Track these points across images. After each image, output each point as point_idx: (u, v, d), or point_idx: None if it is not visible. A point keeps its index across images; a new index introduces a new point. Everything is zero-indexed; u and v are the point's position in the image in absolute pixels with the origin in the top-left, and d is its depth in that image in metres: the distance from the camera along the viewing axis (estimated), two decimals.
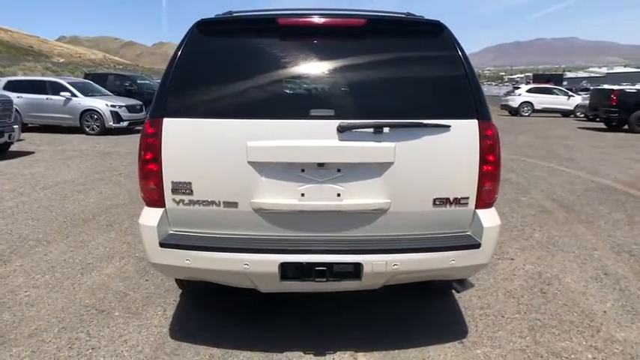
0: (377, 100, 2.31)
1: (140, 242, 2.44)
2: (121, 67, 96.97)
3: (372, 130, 2.23)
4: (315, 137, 2.24)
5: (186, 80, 2.33)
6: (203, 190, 2.31)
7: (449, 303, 3.22)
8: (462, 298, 3.26)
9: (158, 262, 2.35)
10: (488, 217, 2.36)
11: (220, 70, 2.34)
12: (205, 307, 3.12)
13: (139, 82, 16.28)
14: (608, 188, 6.88)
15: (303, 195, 2.29)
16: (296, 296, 3.00)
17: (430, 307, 3.16)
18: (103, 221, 5.02)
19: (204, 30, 2.41)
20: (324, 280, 2.25)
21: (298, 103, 2.28)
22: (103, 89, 14.42)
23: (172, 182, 2.32)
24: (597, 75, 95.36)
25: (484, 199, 2.37)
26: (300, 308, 3.07)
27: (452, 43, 2.41)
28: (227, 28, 2.44)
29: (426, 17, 2.58)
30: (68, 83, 13.34)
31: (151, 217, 2.34)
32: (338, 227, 2.35)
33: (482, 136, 2.31)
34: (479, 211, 2.37)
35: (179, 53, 2.36)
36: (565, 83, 55.63)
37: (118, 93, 14.71)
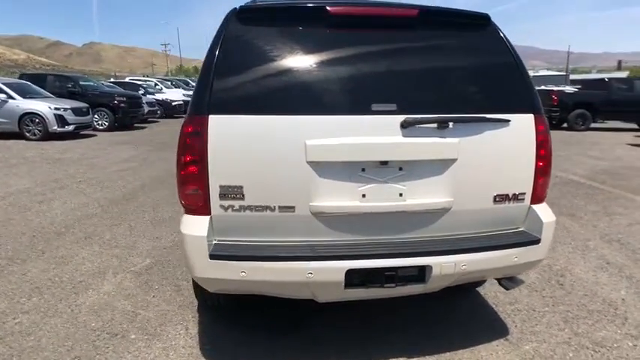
0: (438, 94, 2.22)
1: (184, 254, 2.18)
2: (48, 67, 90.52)
3: (435, 125, 2.14)
4: (377, 134, 2.11)
5: (232, 73, 2.12)
6: (256, 195, 2.10)
7: (476, 301, 3.20)
8: (487, 295, 3.25)
9: (206, 277, 2.11)
10: (545, 212, 2.34)
11: (268, 62, 2.15)
12: (230, 322, 2.88)
13: (82, 83, 15.17)
14: (572, 182, 7.27)
15: (364, 196, 2.14)
16: (317, 304, 2.84)
17: (460, 306, 3.12)
18: (79, 234, 4.56)
19: (245, 18, 2.20)
20: (393, 285, 2.12)
21: (358, 98, 2.14)
22: (43, 91, 13.30)
23: (221, 186, 2.09)
24: None
25: (538, 195, 2.35)
26: (329, 316, 2.91)
27: (501, 35, 2.37)
28: (270, 16, 2.24)
29: None
30: (2, 84, 12.17)
31: (196, 225, 2.09)
32: (400, 229, 2.23)
33: (537, 131, 2.28)
34: (534, 207, 2.35)
35: (220, 43, 2.14)
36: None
37: (59, 95, 13.61)
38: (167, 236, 4.52)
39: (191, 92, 21.54)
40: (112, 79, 26.54)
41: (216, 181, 2.08)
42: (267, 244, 2.14)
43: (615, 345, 2.63)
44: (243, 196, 2.09)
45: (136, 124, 15.77)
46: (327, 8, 2.18)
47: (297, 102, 2.10)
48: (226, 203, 2.10)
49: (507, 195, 2.29)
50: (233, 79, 2.12)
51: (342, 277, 2.06)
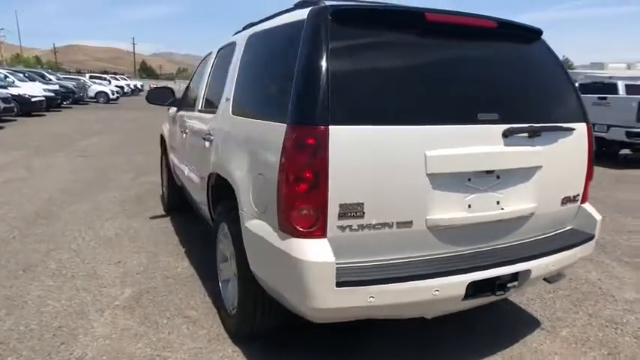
0: (525, 103, 2.30)
1: (295, 285, 1.88)
2: None
3: (527, 134, 2.21)
4: (483, 143, 2.10)
5: (346, 79, 1.91)
6: (376, 212, 1.92)
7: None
8: None
9: (329, 307, 1.86)
10: (594, 211, 2.59)
11: (379, 69, 1.99)
12: (278, 350, 2.61)
13: None
14: None
15: (469, 206, 2.12)
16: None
17: (483, 309, 3.25)
18: (10, 266, 3.66)
19: (341, 19, 1.99)
20: (503, 292, 2.14)
21: (466, 107, 2.10)
22: None
23: (340, 205, 1.87)
24: None
25: (585, 195, 2.59)
26: (368, 333, 2.80)
27: (550, 48, 2.54)
28: (366, 18, 2.07)
29: None
30: None
31: (317, 250, 1.84)
32: (496, 236, 2.26)
33: (589, 138, 2.51)
34: (584, 206, 2.58)
35: (320, 44, 1.90)
36: None
37: None
38: (129, 259, 3.89)
39: (53, 86, 18.68)
40: None
41: (336, 199, 1.86)
42: (386, 263, 1.99)
43: (624, 320, 3.03)
44: (363, 214, 1.91)
45: None
46: (426, 14, 2.09)
47: (415, 111, 1.99)
48: (345, 223, 1.89)
49: (570, 197, 2.47)
50: (349, 86, 1.91)
51: (463, 291, 2.02)
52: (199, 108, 3.62)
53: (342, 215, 1.88)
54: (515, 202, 2.24)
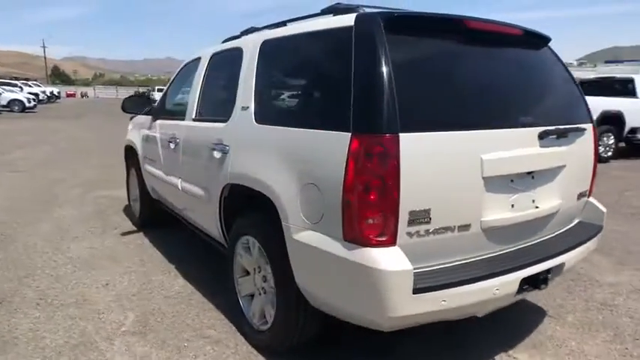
0: (551, 106, 2.46)
1: (370, 295, 1.85)
2: None
3: (556, 135, 2.36)
4: (524, 145, 2.22)
5: (409, 86, 1.91)
6: (441, 216, 1.96)
7: None
8: None
9: (405, 314, 1.86)
10: (599, 204, 2.81)
11: (435, 76, 2.04)
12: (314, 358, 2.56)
13: None
14: None
15: (512, 206, 2.22)
16: None
17: None
18: None
19: (391, 27, 2.00)
20: (546, 286, 2.26)
21: (510, 111, 2.21)
22: None
23: (410, 212, 1.88)
24: None
25: (591, 190, 2.81)
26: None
27: (556, 54, 2.74)
28: (415, 25, 2.10)
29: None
30: None
31: (392, 258, 1.83)
32: (531, 234, 2.38)
33: (594, 137, 2.74)
34: (591, 199, 2.80)
35: (381, 53, 1.90)
36: None
37: None
38: (117, 280, 3.62)
39: None
40: None
41: (406, 207, 1.86)
42: (449, 267, 2.03)
43: (615, 303, 3.33)
44: (429, 220, 1.93)
45: None
46: (465, 21, 2.17)
47: (469, 116, 2.06)
48: (413, 230, 1.90)
49: (582, 192, 2.68)
50: (411, 93, 1.92)
51: (517, 287, 2.11)
52: (193, 117, 3.44)
53: (411, 222, 1.89)
54: (546, 200, 2.38)
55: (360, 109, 1.89)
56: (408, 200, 1.86)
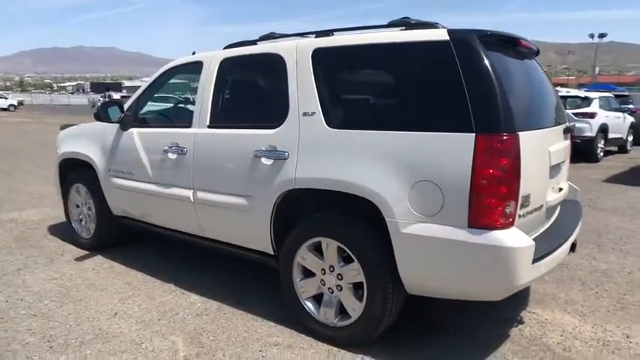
0: (558, 107, 3.09)
1: (501, 270, 2.19)
2: None
3: (567, 131, 3.01)
4: (559, 140, 2.80)
5: (507, 93, 2.29)
6: (534, 200, 2.41)
7: None
8: None
9: (523, 283, 2.26)
10: (573, 184, 3.59)
11: (508, 83, 2.42)
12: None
13: None
14: None
15: (553, 189, 2.78)
16: None
17: None
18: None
19: (485, 42, 2.36)
20: (574, 250, 2.86)
21: (550, 111, 2.78)
22: None
23: (522, 197, 2.28)
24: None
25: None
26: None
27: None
28: (495, 42, 2.47)
29: None
30: None
31: (518, 238, 2.23)
32: (555, 212, 2.96)
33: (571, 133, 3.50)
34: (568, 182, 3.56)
35: (488, 64, 2.26)
36: (123, 91, 60.30)
37: None
38: (125, 308, 3.26)
39: None
40: None
41: (522, 193, 2.25)
42: (534, 239, 2.44)
43: (567, 262, 4.22)
44: (529, 203, 2.36)
45: None
46: (519, 41, 2.64)
47: (538, 116, 2.54)
48: (522, 212, 2.32)
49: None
50: (512, 99, 2.29)
51: (568, 251, 2.67)
52: (208, 124, 3.29)
53: (522, 205, 2.29)
54: (562, 184, 3.01)
55: (481, 112, 2.20)
56: (523, 188, 2.26)
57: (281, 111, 2.88)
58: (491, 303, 3.13)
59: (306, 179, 2.72)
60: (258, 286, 3.60)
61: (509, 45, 2.62)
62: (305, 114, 2.77)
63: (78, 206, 4.57)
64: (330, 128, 2.67)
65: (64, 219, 5.27)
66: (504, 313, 3.19)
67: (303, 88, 2.81)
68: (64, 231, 4.92)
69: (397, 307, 2.63)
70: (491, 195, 2.18)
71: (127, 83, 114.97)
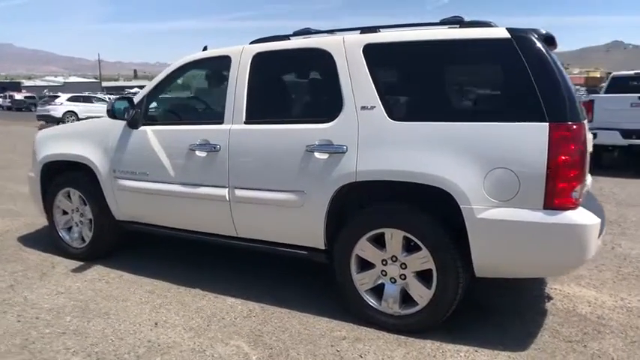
0: None
1: (577, 245, 2.43)
2: None
3: None
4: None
5: (566, 84, 2.51)
6: (587, 182, 2.64)
7: None
8: None
9: (593, 255, 2.50)
10: None
11: (563, 76, 2.63)
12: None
13: None
14: None
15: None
16: None
17: None
18: None
19: (540, 39, 2.57)
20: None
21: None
22: None
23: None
24: (56, 84, 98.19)
25: None
26: None
27: None
28: (543, 39, 2.67)
29: None
30: None
31: (591, 215, 2.44)
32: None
33: None
34: None
35: (551, 60, 2.47)
36: (24, 91, 55.20)
37: None
38: (163, 318, 3.06)
39: None
40: None
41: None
42: None
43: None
44: (586, 185, 2.60)
45: None
46: (555, 38, 2.88)
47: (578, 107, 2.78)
48: (584, 193, 2.54)
49: None
50: (562, 90, 2.49)
51: None
52: (244, 120, 3.18)
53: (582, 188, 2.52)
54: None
55: (552, 103, 2.40)
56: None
57: (333, 105, 2.87)
58: (517, 282, 3.43)
59: (370, 172, 2.74)
60: (286, 283, 3.57)
61: (550, 42, 2.86)
62: (363, 108, 2.79)
63: (66, 213, 4.16)
64: (392, 121, 2.72)
65: (30, 229, 4.83)
66: (533, 291, 3.46)
67: (357, 82, 2.83)
68: (41, 241, 4.47)
69: (464, 291, 2.75)
70: (565, 178, 2.38)
71: (26, 83, 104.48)
